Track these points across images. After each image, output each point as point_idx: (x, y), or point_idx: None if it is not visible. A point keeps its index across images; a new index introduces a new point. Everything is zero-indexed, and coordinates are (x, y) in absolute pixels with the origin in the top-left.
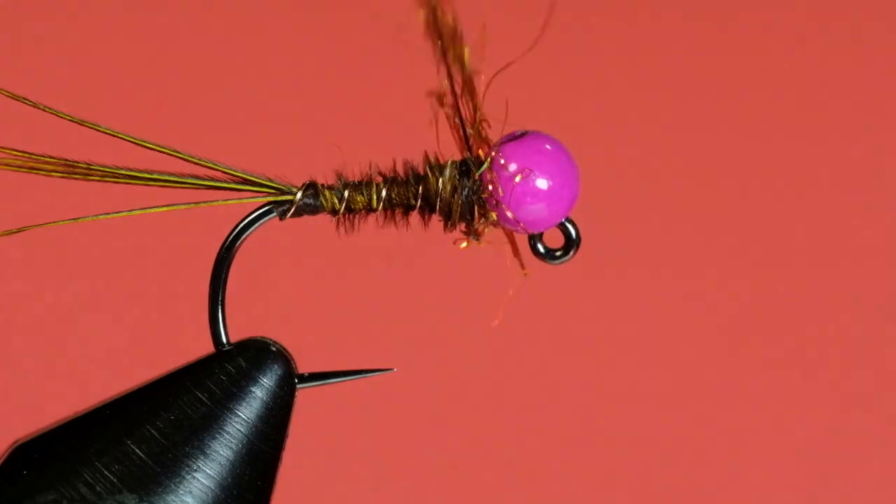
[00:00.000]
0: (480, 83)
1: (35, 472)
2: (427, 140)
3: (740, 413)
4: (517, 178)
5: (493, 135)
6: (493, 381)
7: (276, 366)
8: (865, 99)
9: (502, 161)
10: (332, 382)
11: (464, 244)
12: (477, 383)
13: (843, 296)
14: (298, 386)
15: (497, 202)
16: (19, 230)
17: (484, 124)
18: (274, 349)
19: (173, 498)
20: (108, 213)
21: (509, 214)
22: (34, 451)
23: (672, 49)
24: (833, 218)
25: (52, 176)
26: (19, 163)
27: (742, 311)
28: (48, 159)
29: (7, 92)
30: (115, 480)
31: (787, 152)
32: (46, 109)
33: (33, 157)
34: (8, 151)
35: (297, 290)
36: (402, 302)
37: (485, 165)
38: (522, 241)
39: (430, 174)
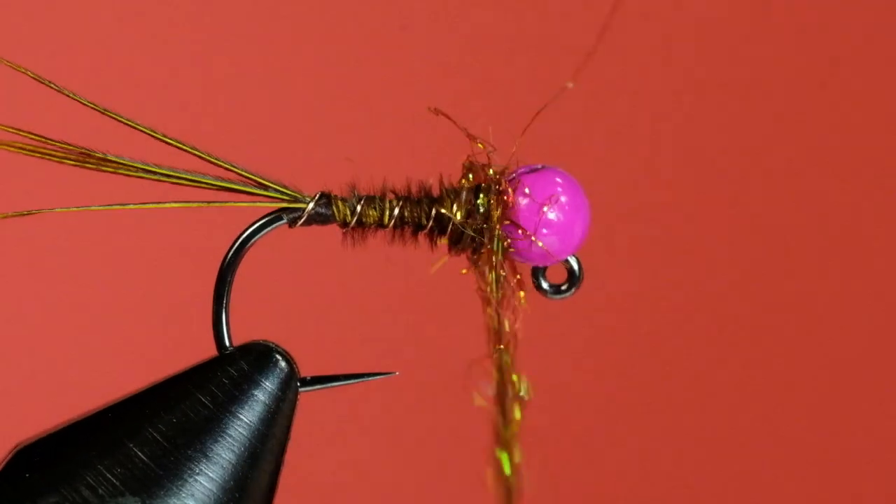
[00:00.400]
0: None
1: (37, 475)
2: (443, 160)
3: (738, 413)
4: (546, 208)
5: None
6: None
7: (278, 369)
8: (864, 96)
9: (526, 191)
10: (335, 386)
11: (464, 271)
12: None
13: (843, 295)
14: (301, 389)
15: (522, 231)
16: (27, 213)
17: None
18: (276, 352)
19: (175, 501)
20: (118, 205)
21: (540, 244)
22: (36, 454)
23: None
24: (830, 216)
25: (64, 163)
26: (32, 147)
27: (741, 316)
28: (63, 146)
29: (32, 74)
30: (117, 483)
31: (784, 153)
32: (70, 95)
33: (48, 142)
34: (23, 134)
35: (300, 294)
36: (404, 306)
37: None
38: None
39: (445, 196)
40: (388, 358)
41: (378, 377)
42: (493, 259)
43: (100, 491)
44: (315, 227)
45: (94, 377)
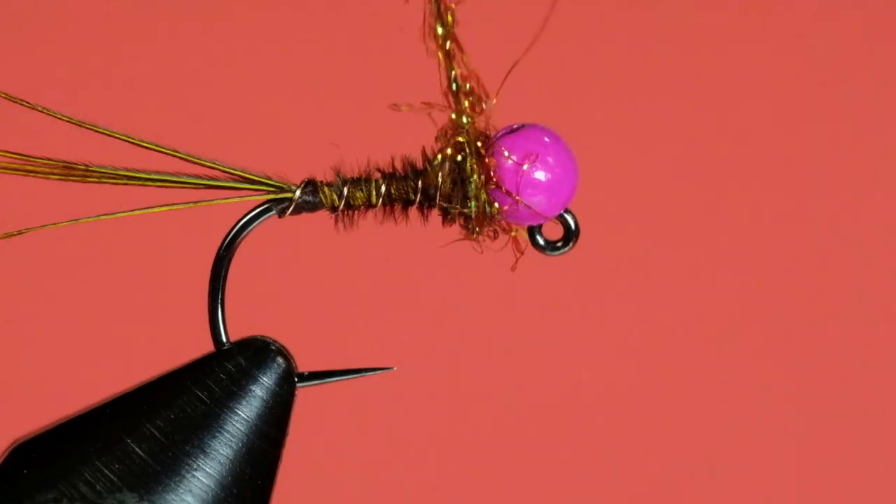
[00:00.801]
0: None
1: (35, 471)
2: (424, 135)
3: (737, 412)
4: (525, 166)
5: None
6: (493, 379)
7: (275, 364)
8: (864, 98)
9: (506, 153)
10: (332, 381)
11: (483, 234)
12: (477, 381)
13: (841, 298)
14: (298, 385)
15: (507, 192)
16: (19, 233)
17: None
18: (274, 348)
19: (173, 496)
20: (107, 214)
21: (525, 204)
22: (34, 451)
23: (669, 45)
24: (828, 218)
25: (49, 179)
26: (16, 166)
27: (738, 309)
28: (45, 161)
29: (5, 94)
30: (114, 479)
31: (784, 152)
32: (44, 111)
33: (30, 159)
34: (6, 155)
35: (296, 289)
36: (401, 300)
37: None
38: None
39: (428, 168)
40: (386, 353)
41: (376, 372)
42: (483, 223)
43: (98, 487)
44: (309, 220)
45: (92, 374)
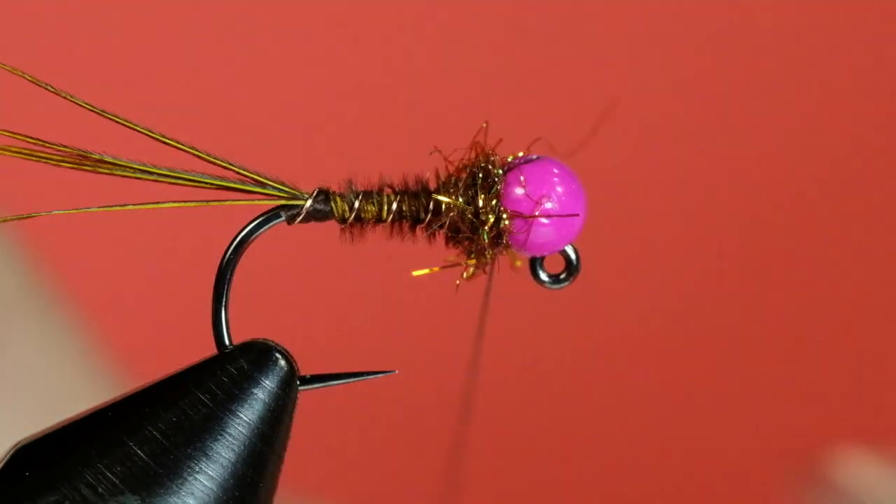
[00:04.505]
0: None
1: (37, 474)
2: (438, 155)
3: (736, 412)
4: (541, 199)
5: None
6: (493, 382)
7: (278, 367)
8: (864, 99)
9: (522, 179)
10: (335, 384)
11: (470, 271)
12: (479, 384)
13: (839, 299)
14: (300, 388)
15: (519, 220)
16: (26, 216)
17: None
18: (276, 351)
19: (175, 499)
20: (116, 206)
21: (535, 233)
22: (36, 453)
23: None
24: (829, 218)
25: (61, 166)
26: (28, 151)
27: (738, 311)
28: (59, 148)
29: (30, 77)
30: (116, 481)
31: (784, 153)
32: (66, 96)
33: (44, 144)
34: (19, 138)
35: (299, 292)
36: (404, 304)
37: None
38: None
39: (442, 189)
40: (388, 356)
41: (377, 376)
42: (489, 250)
43: (100, 489)
44: (313, 224)
45: (93, 376)
